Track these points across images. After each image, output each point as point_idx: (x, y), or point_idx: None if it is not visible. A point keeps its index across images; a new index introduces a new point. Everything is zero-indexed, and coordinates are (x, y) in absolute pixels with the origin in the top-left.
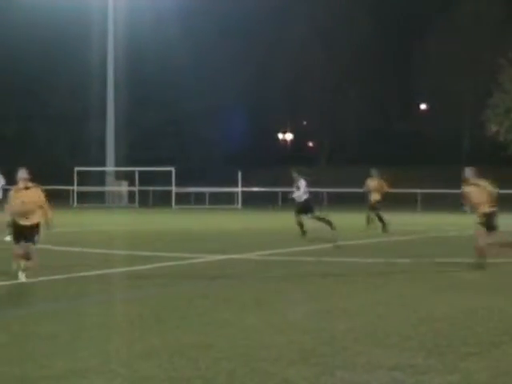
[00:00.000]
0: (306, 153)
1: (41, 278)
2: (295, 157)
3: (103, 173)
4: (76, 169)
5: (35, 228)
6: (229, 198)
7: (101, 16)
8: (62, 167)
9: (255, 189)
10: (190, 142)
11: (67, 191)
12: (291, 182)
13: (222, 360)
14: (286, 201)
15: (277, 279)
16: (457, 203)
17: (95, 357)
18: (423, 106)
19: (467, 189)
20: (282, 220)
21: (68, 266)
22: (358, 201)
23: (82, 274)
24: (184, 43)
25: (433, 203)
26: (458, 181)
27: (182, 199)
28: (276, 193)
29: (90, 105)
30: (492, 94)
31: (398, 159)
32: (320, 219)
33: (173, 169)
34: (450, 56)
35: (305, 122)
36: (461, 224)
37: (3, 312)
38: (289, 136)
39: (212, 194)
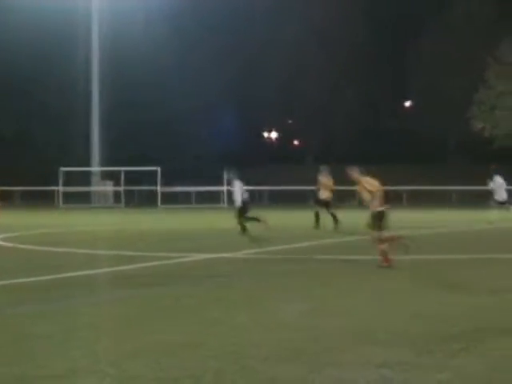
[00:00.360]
0: (292, 151)
1: (26, 279)
2: (282, 155)
3: (89, 173)
4: (62, 169)
5: None
6: (215, 197)
7: (87, 17)
8: (48, 167)
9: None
10: (177, 141)
11: (53, 192)
12: (278, 181)
13: (211, 359)
14: (273, 199)
15: (265, 278)
16: (442, 200)
17: (83, 357)
18: (409, 104)
19: (361, 186)
20: (269, 218)
21: (54, 266)
22: (345, 199)
23: (68, 274)
24: (171, 42)
25: (419, 200)
26: (444, 177)
27: (169, 199)
28: (262, 191)
29: (76, 104)
30: (478, 90)
31: (385, 157)
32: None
33: (158, 168)
34: (443, 56)
35: (290, 121)
36: (447, 220)
37: None
38: (274, 134)
39: (198, 194)
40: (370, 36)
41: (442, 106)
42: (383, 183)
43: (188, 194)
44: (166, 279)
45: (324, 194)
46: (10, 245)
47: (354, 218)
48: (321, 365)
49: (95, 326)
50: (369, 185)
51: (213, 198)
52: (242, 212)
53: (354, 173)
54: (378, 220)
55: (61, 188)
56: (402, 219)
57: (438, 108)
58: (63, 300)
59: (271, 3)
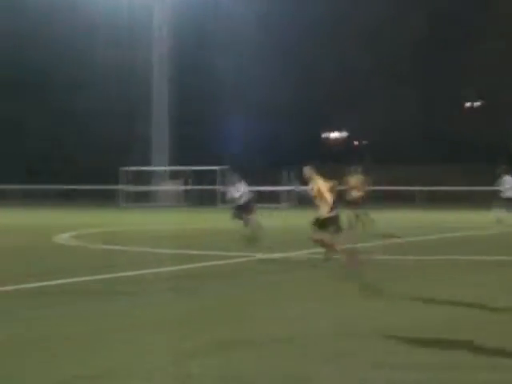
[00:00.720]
0: (352, 151)
1: (86, 278)
2: (342, 156)
3: (152, 172)
4: (124, 168)
5: None
6: (274, 197)
7: (149, 12)
8: (111, 166)
9: (301, 188)
10: (238, 140)
11: (116, 191)
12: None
13: (268, 358)
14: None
15: (319, 276)
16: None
17: (143, 355)
18: (470, 105)
19: (311, 187)
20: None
21: (113, 265)
22: (404, 199)
23: (127, 273)
24: (236, 44)
25: (481, 201)
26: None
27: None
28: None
29: (144, 104)
30: None
31: (445, 158)
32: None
33: (219, 168)
34: (500, 55)
35: (352, 122)
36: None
37: (46, 311)
38: (337, 134)
39: (258, 193)
40: (424, 36)
41: (505, 108)
42: (442, 184)
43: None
44: (225, 278)
45: (353, 195)
46: (72, 243)
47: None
48: (378, 365)
49: (154, 325)
50: (324, 186)
51: (272, 198)
52: (245, 211)
53: (310, 172)
54: (332, 224)
55: (123, 187)
56: (457, 220)
57: (502, 109)
58: (122, 298)
59: (324, 4)
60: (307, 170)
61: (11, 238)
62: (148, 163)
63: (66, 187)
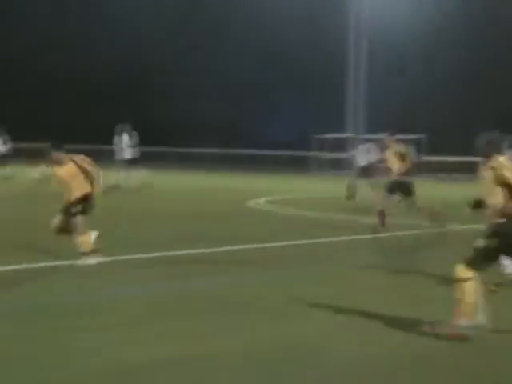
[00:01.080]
0: None
1: (282, 243)
2: None
3: (348, 140)
4: (319, 136)
5: None
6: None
7: None
8: (302, 134)
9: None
10: (443, 109)
11: (307, 158)
12: None
13: None
14: None
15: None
16: None
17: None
18: None
19: (387, 155)
20: None
21: (310, 231)
22: None
23: (325, 239)
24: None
25: None
26: None
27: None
28: None
29: (344, 71)
30: None
31: None
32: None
33: (416, 137)
34: None
35: None
36: None
37: (238, 276)
38: None
39: (462, 164)
40: None
41: None
42: None
43: (445, 163)
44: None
45: None
46: (266, 209)
47: None
48: None
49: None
50: (398, 151)
51: (466, 169)
52: (359, 175)
53: (388, 140)
54: (400, 189)
55: (316, 154)
56: None
57: None
58: (317, 264)
59: None
60: (385, 138)
61: (207, 202)
62: (341, 131)
63: (256, 153)
